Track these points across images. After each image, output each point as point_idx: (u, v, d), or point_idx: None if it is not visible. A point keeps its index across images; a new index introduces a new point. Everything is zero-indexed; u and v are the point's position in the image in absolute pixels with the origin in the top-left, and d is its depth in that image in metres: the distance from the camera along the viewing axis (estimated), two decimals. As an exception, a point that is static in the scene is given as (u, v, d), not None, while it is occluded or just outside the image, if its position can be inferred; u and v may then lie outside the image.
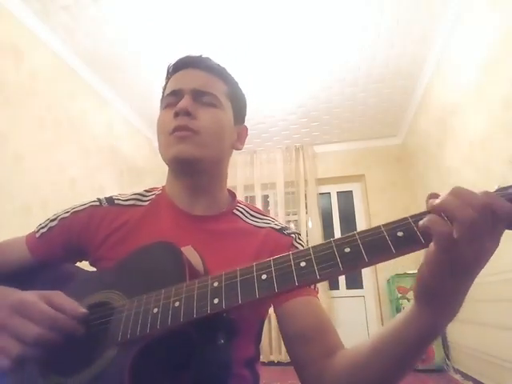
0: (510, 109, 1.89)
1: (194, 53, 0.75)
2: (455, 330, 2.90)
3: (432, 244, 0.38)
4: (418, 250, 0.39)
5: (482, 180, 2.26)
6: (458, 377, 2.75)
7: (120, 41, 2.65)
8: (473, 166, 2.39)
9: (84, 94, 2.94)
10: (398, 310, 3.27)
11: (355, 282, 4.00)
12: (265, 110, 3.57)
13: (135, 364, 0.42)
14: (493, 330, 2.20)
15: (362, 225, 4.16)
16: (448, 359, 3.02)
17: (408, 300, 3.24)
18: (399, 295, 3.29)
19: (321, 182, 4.25)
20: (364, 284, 3.96)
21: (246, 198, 4.31)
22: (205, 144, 0.67)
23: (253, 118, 3.67)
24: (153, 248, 0.55)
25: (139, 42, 2.67)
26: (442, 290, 0.40)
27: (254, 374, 0.68)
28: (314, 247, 0.42)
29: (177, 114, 0.66)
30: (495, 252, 0.38)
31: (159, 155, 0.70)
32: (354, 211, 4.25)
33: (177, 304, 0.44)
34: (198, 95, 0.68)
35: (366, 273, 3.93)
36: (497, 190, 0.39)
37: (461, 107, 2.50)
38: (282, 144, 4.27)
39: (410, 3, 2.37)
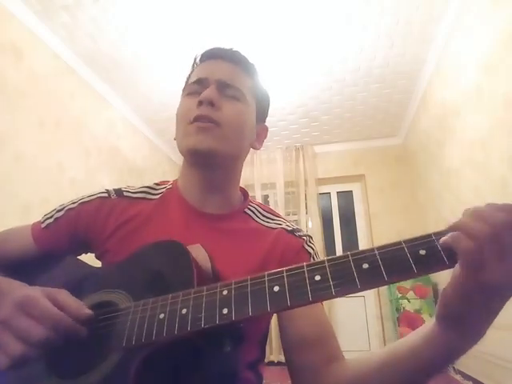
0: (510, 109, 1.89)
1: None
2: (455, 330, 2.90)
3: (457, 265, 0.35)
4: (442, 270, 0.37)
5: (482, 180, 2.26)
6: (458, 377, 2.74)
7: (120, 41, 2.65)
8: (473, 165, 2.39)
9: (84, 94, 2.94)
10: (397, 310, 3.27)
11: (355, 282, 4.00)
12: (265, 110, 3.56)
13: (140, 371, 0.41)
14: (493, 330, 2.18)
15: (361, 225, 4.16)
16: (448, 359, 3.02)
17: (408, 300, 3.24)
18: (399, 295, 3.28)
19: (321, 182, 4.25)
20: (364, 284, 3.96)
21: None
22: (225, 137, 0.64)
23: (253, 118, 3.66)
24: (161, 247, 0.53)
25: (139, 42, 2.67)
26: (469, 315, 0.37)
27: (258, 375, 0.67)
28: (329, 260, 0.39)
29: (200, 103, 0.63)
30: None
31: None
32: (354, 211, 4.25)
33: (184, 311, 0.42)
34: (223, 87, 0.66)
35: (366, 273, 3.93)
36: None
37: (461, 107, 2.50)
38: (282, 144, 4.26)
39: (410, 3, 2.36)
